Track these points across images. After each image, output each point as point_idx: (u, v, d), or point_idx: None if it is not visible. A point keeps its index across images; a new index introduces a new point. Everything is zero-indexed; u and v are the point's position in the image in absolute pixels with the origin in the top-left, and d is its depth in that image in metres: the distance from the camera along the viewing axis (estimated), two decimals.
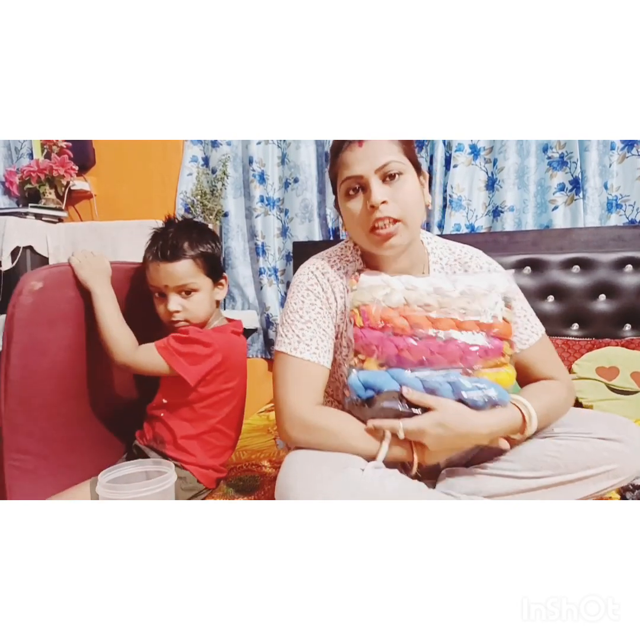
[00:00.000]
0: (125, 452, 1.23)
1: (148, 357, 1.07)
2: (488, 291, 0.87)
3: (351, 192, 0.91)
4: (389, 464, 0.85)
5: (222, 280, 1.19)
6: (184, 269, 1.10)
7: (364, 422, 0.85)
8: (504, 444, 0.85)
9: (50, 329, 1.03)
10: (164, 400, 1.13)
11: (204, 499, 1.13)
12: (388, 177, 0.89)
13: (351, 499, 0.74)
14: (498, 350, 0.85)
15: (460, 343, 0.83)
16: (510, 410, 0.85)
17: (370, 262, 1.01)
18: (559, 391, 0.93)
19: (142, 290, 1.18)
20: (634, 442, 0.86)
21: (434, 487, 0.95)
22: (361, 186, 0.90)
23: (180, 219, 1.20)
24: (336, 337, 0.98)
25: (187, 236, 1.12)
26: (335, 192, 0.99)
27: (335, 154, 0.94)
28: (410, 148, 0.93)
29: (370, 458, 0.84)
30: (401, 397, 0.82)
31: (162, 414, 1.13)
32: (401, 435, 0.81)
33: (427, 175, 1.00)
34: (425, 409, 0.82)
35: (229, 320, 1.23)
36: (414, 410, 0.82)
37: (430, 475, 1.01)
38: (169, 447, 1.11)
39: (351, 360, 0.87)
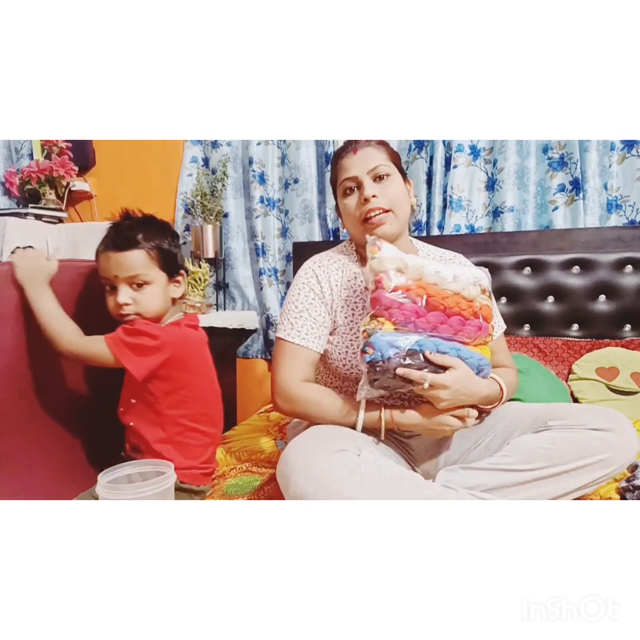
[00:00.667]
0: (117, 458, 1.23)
1: (94, 346, 1.04)
2: (474, 282, 1.01)
3: (348, 191, 1.10)
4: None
5: (179, 278, 1.15)
6: (136, 259, 1.06)
7: (374, 381, 0.94)
8: (473, 413, 0.97)
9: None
10: (132, 400, 1.11)
11: (202, 498, 1.13)
12: (378, 177, 1.07)
13: (349, 477, 0.80)
14: (486, 329, 0.99)
15: (461, 317, 0.96)
16: (494, 382, 1.02)
17: (364, 255, 1.10)
18: (513, 376, 1.13)
19: (98, 289, 1.15)
20: (624, 432, 0.90)
21: None
22: (356, 185, 1.08)
23: (142, 214, 1.17)
24: (333, 322, 1.10)
25: (143, 229, 1.09)
26: (336, 195, 1.16)
27: (335, 161, 1.13)
28: (396, 157, 1.12)
29: (347, 426, 0.99)
30: (423, 357, 0.92)
31: (131, 423, 1.11)
32: (426, 385, 0.91)
33: (412, 182, 1.17)
34: (437, 369, 0.93)
35: (186, 314, 1.20)
36: (428, 369, 0.92)
37: (428, 475, 1.02)
38: (146, 456, 1.09)
39: (368, 323, 0.94)
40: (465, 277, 1.00)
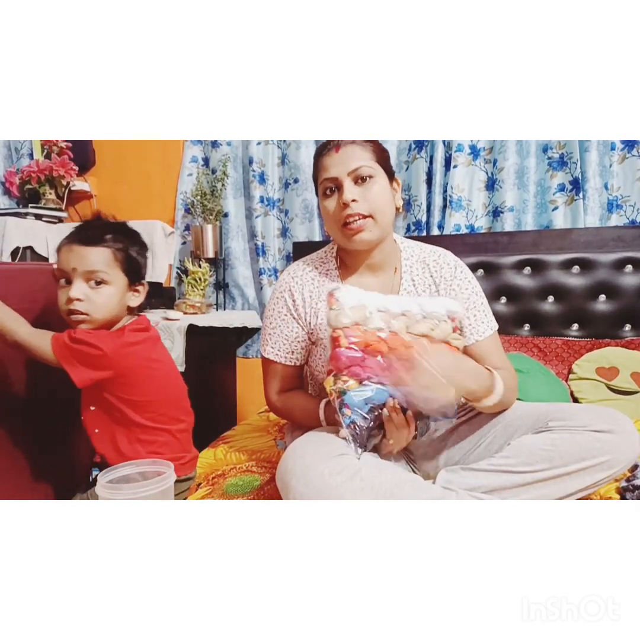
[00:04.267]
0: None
1: (40, 340, 1.01)
2: (447, 315, 0.92)
3: (328, 192, 1.03)
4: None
5: (140, 288, 1.12)
6: (99, 256, 1.04)
7: (360, 442, 0.88)
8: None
9: None
10: (91, 408, 1.09)
11: (189, 487, 1.14)
12: (360, 179, 1.00)
13: (350, 482, 0.79)
14: None
15: None
16: (485, 374, 0.94)
17: (345, 259, 1.12)
18: (509, 379, 1.01)
19: (35, 293, 1.14)
20: (626, 433, 0.89)
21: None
22: (336, 187, 1.01)
23: (114, 219, 1.15)
24: (310, 334, 1.11)
25: (113, 230, 1.08)
26: (316, 192, 1.10)
27: (316, 158, 1.06)
28: (382, 156, 1.04)
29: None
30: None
31: (96, 430, 1.09)
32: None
33: (400, 182, 1.10)
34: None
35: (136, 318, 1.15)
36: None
37: (428, 476, 1.01)
38: (116, 458, 1.06)
39: (333, 383, 0.89)
40: (436, 312, 0.91)
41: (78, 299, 1.03)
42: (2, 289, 1.06)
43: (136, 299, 1.12)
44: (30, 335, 1.02)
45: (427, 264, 1.11)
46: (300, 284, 1.11)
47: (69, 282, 1.05)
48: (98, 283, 1.04)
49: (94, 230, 1.07)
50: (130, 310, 1.13)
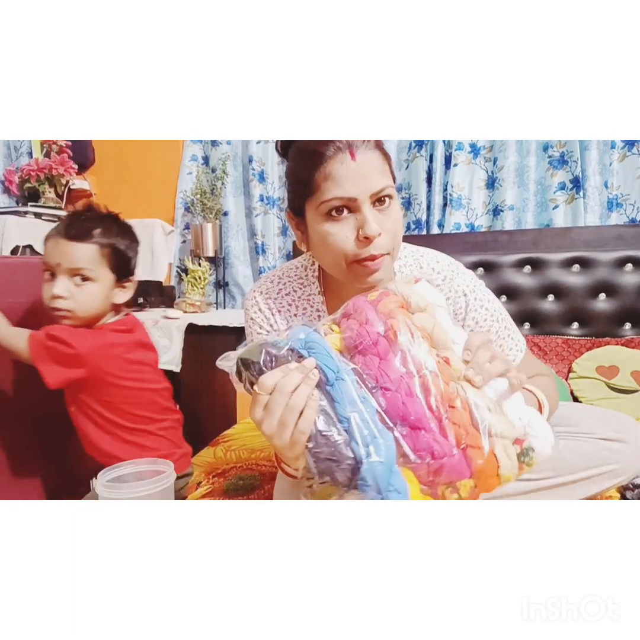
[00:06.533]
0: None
1: (16, 338, 1.00)
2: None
3: (334, 214, 0.77)
4: None
5: (128, 284, 1.09)
6: (85, 253, 1.01)
7: None
8: None
9: None
10: (72, 409, 1.08)
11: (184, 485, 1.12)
12: (377, 201, 0.77)
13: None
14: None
15: None
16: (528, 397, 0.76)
17: (331, 283, 0.92)
18: (551, 387, 0.86)
19: (28, 287, 1.12)
20: (635, 441, 0.86)
21: None
22: (349, 209, 0.76)
23: (107, 210, 1.11)
24: None
25: (103, 224, 1.05)
26: (296, 200, 0.83)
27: (316, 161, 0.77)
28: (391, 163, 0.82)
29: None
30: None
31: (80, 432, 1.08)
32: None
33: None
34: None
35: (123, 318, 1.12)
36: None
37: None
38: (104, 460, 1.04)
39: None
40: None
41: (61, 297, 1.01)
42: (1, 284, 1.06)
43: (123, 295, 1.09)
44: (8, 334, 1.00)
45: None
46: (273, 309, 0.92)
47: (54, 275, 1.03)
48: (83, 279, 1.02)
49: (82, 224, 1.04)
50: (117, 307, 1.10)
